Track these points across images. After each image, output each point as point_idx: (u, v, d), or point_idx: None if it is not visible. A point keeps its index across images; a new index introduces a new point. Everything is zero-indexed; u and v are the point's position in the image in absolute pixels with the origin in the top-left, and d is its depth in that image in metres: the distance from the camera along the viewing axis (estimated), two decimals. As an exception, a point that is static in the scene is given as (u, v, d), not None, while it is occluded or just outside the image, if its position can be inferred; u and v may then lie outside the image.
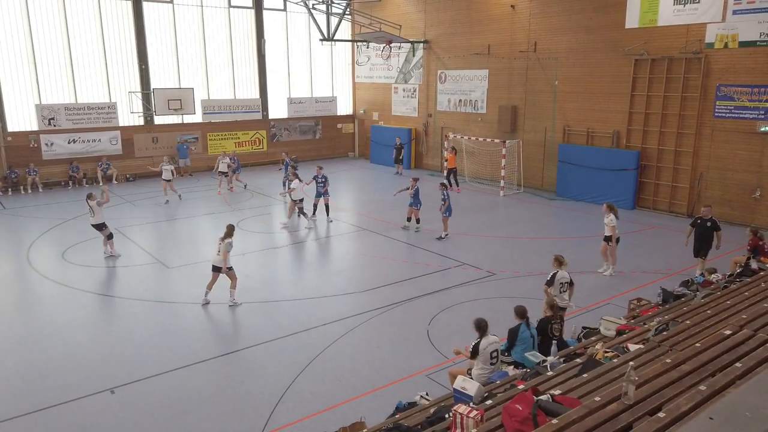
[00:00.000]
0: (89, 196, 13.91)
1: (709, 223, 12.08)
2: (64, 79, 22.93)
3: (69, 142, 23.13)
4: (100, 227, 13.90)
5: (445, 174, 22.57)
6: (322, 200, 17.26)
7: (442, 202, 15.44)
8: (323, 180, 17.07)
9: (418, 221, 16.32)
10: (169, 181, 20.05)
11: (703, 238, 12.14)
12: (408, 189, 16.22)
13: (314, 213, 17.34)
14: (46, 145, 22.70)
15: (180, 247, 15.24)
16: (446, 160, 22.59)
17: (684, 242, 12.53)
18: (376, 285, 12.29)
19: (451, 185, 20.93)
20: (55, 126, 22.72)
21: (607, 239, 12.79)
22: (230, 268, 11.11)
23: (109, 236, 14.07)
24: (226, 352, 9.33)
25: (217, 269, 11.06)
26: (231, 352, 9.31)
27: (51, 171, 22.96)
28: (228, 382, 8.45)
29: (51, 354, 9.34)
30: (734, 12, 16.06)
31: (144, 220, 17.78)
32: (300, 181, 17.04)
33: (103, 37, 23.39)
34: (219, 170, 22.08)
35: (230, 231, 11.12)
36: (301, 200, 17.06)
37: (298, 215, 17.32)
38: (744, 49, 16.08)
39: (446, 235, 15.55)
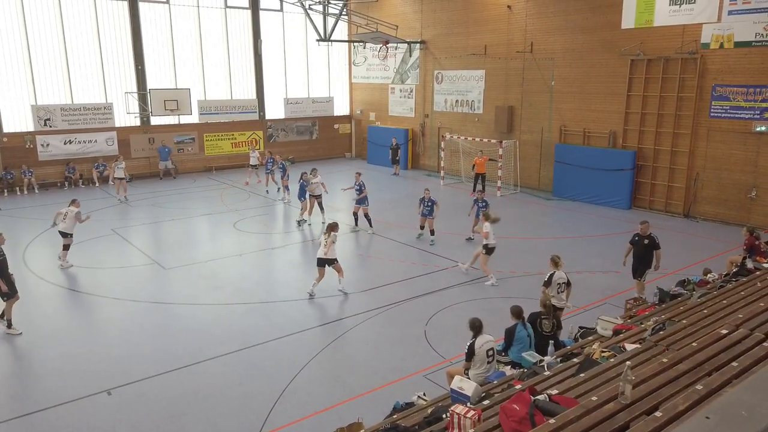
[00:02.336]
0: (73, 202, 13.71)
1: (646, 241, 10.87)
2: (60, 80, 22.87)
3: (65, 143, 23.07)
4: (65, 235, 13.43)
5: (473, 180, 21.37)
6: (360, 209, 16.18)
7: (481, 207, 14.78)
8: (360, 187, 16.03)
9: (357, 221, 16.34)
10: (122, 179, 20.30)
11: (641, 258, 10.92)
12: (353, 187, 16.09)
13: (356, 223, 16.42)
14: (42, 145, 22.64)
15: (177, 248, 15.21)
16: (474, 165, 21.28)
17: (622, 261, 11.27)
18: (373, 285, 12.29)
19: (475, 190, 20.33)
20: (50, 127, 22.66)
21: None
22: (336, 260, 11.64)
23: (67, 247, 13.54)
24: (223, 353, 9.32)
25: (323, 263, 11.55)
26: (228, 353, 9.30)
27: (47, 172, 22.89)
28: (225, 383, 8.44)
29: (47, 355, 9.32)
30: (730, 12, 16.12)
31: (140, 221, 17.75)
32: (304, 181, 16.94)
33: (99, 38, 23.33)
34: (251, 164, 23.62)
35: (335, 227, 11.66)
36: (320, 195, 16.97)
37: (321, 210, 17.10)
38: (739, 50, 16.13)
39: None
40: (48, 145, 22.74)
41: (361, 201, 16.06)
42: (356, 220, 16.46)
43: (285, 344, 9.61)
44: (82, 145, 23.44)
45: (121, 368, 8.83)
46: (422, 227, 15.48)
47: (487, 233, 12.24)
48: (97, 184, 23.32)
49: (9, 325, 10.03)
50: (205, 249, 15.20)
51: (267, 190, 21.74)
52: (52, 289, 12.20)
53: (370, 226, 16.18)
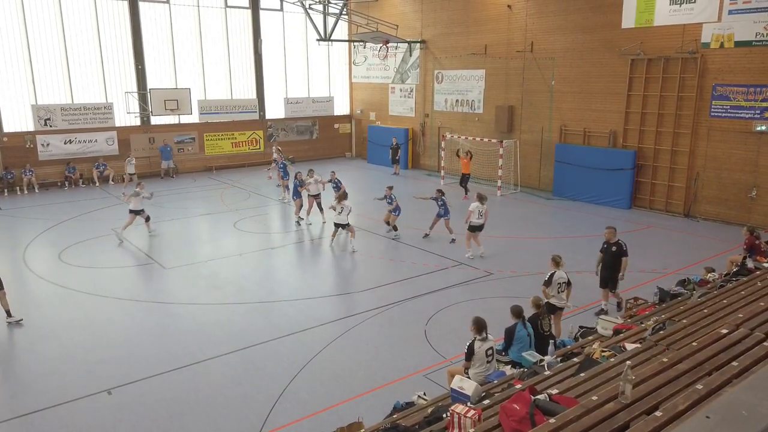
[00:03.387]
0: (139, 185, 16.20)
1: (614, 248, 10.32)
2: (60, 80, 22.88)
3: (65, 143, 23.07)
4: (138, 212, 15.81)
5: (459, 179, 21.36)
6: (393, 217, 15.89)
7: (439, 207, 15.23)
8: (391, 200, 15.77)
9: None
10: (133, 174, 22.22)
11: (610, 266, 10.33)
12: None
13: (395, 229, 15.92)
14: (42, 145, 22.64)
15: (176, 247, 15.21)
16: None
17: (595, 271, 10.74)
18: (374, 285, 12.29)
19: (467, 192, 20.47)
20: (51, 126, 22.66)
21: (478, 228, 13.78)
22: (348, 224, 14.59)
23: (147, 218, 16.13)
24: (223, 352, 9.32)
25: (337, 226, 14.59)
26: (228, 353, 9.30)
27: (47, 172, 22.89)
28: (225, 382, 8.44)
29: (48, 355, 9.31)
30: (730, 12, 16.11)
31: (140, 221, 17.70)
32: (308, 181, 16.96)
33: (99, 37, 23.33)
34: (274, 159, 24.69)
35: (344, 196, 14.67)
36: (318, 195, 17.00)
37: (320, 210, 17.08)
38: (740, 49, 16.12)
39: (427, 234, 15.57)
40: (48, 144, 22.75)
41: (395, 210, 15.80)
42: (395, 228, 15.91)
43: (285, 344, 9.61)
44: (82, 144, 23.44)
45: (121, 368, 8.83)
46: (387, 222, 16.02)
47: (470, 212, 13.75)
48: (97, 184, 23.31)
49: (9, 315, 10.46)
50: (205, 249, 15.20)
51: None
52: (51, 289, 12.20)
53: (395, 230, 15.90)
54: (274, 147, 25.40)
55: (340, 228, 14.63)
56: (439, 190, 15.66)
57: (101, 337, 9.99)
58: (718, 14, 16.34)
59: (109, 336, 10.06)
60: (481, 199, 13.89)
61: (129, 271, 13.36)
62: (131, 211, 15.66)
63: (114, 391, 8.19)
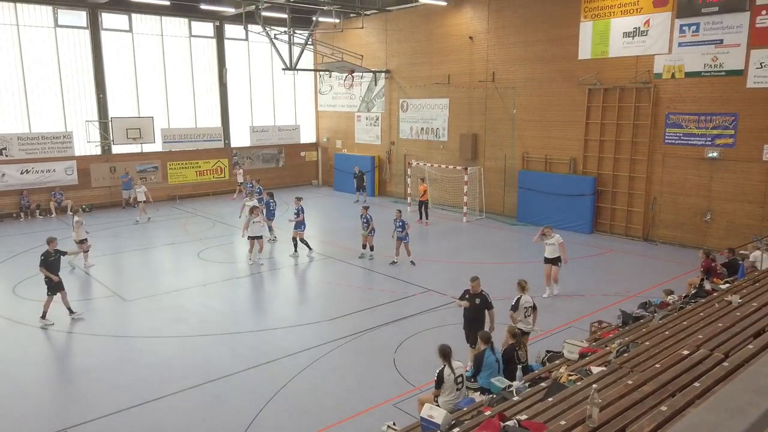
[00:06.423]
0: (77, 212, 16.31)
1: (477, 300, 9.19)
2: (18, 108, 22.33)
3: (21, 173, 22.40)
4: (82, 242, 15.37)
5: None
6: (297, 234, 16.42)
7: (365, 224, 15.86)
8: (402, 224, 15.57)
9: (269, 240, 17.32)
10: (142, 202, 21.69)
11: (473, 320, 9.18)
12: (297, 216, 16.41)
13: (296, 249, 16.55)
14: (-3, 175, 21.94)
15: (138, 279, 14.81)
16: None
17: (463, 325, 9.53)
18: (341, 313, 12.17)
19: (420, 217, 21.02)
20: (6, 156, 22.00)
21: (554, 261, 12.84)
22: (260, 237, 15.84)
23: (87, 250, 15.61)
24: (186, 387, 9.03)
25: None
26: (191, 387, 9.02)
27: (2, 203, 22.14)
28: (189, 418, 8.16)
29: (0, 392, 8.87)
30: (680, 44, 16.90)
31: (100, 252, 17.21)
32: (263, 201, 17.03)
33: (60, 66, 22.93)
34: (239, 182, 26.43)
35: (255, 210, 15.83)
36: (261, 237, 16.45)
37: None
38: (690, 79, 16.88)
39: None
40: (3, 175, 22.04)
41: (298, 225, 16.41)
42: (295, 245, 16.66)
43: (251, 376, 9.39)
44: (39, 174, 22.79)
45: (78, 407, 8.46)
46: (364, 246, 16.17)
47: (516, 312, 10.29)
48: (54, 215, 22.61)
49: (71, 312, 11.85)
50: (167, 279, 14.84)
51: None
52: (5, 324, 11.67)
53: (309, 249, 16.63)
54: (240, 171, 26.81)
55: (255, 240, 15.59)
56: (365, 207, 16.50)
57: (57, 374, 9.58)
58: (668, 47, 17.13)
59: (65, 372, 9.66)
60: (523, 289, 9.71)
61: (88, 304, 12.90)
62: (76, 242, 15.35)
63: (70, 431, 7.82)
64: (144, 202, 21.71)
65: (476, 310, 9.24)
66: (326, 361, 9.95)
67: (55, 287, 11.66)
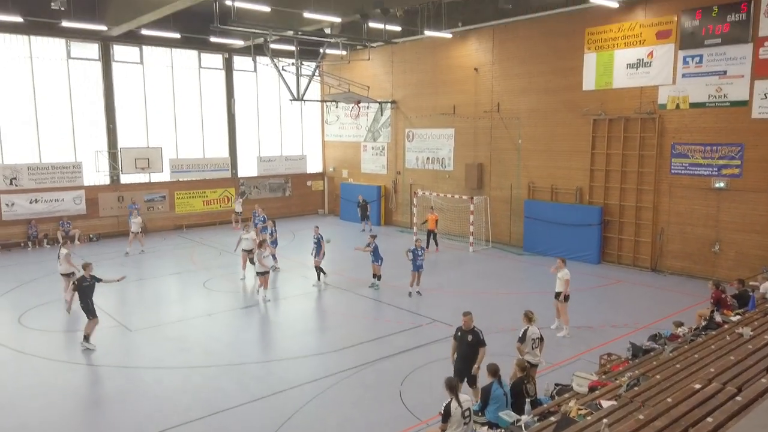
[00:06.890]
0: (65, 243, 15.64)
1: (470, 337, 8.89)
2: (29, 139, 22.65)
3: (31, 202, 22.60)
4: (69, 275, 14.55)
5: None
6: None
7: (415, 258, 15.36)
8: (422, 251, 15.50)
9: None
10: (136, 233, 21.04)
11: (466, 357, 8.91)
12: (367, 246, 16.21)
13: (319, 277, 16.81)
14: (7, 205, 22.12)
15: (143, 308, 14.77)
16: (426, 221, 21.86)
17: (450, 360, 9.30)
18: (348, 344, 12.06)
19: (428, 246, 20.61)
20: (17, 186, 22.24)
21: (558, 295, 12.60)
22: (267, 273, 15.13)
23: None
24: (189, 419, 8.91)
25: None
26: (195, 420, 8.90)
27: (11, 232, 22.28)
28: (191, 451, 8.03)
29: (2, 424, 8.77)
30: (683, 75, 17.03)
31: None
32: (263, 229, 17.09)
33: (71, 97, 23.33)
34: (236, 210, 26.66)
35: (262, 243, 15.62)
36: (251, 251, 16.74)
37: (252, 262, 16.79)
38: (695, 110, 16.96)
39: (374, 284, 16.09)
40: (13, 204, 22.24)
41: (317, 253, 16.71)
42: (318, 273, 16.79)
43: (256, 409, 9.26)
44: (48, 204, 22.99)
45: (80, 438, 8.36)
46: (374, 275, 16.14)
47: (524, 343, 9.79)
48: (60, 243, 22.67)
49: (87, 339, 11.82)
50: (173, 309, 14.80)
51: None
52: (9, 354, 11.62)
53: (318, 279, 16.82)
54: (240, 200, 26.99)
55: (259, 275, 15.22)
56: (373, 236, 16.54)
57: (60, 405, 9.48)
58: (672, 77, 17.26)
59: (68, 403, 9.56)
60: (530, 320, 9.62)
61: (92, 333, 12.83)
62: (63, 275, 14.47)
63: (71, 465, 7.71)
64: (137, 233, 21.05)
65: (468, 346, 8.89)
66: (332, 393, 9.82)
67: (91, 311, 11.90)
